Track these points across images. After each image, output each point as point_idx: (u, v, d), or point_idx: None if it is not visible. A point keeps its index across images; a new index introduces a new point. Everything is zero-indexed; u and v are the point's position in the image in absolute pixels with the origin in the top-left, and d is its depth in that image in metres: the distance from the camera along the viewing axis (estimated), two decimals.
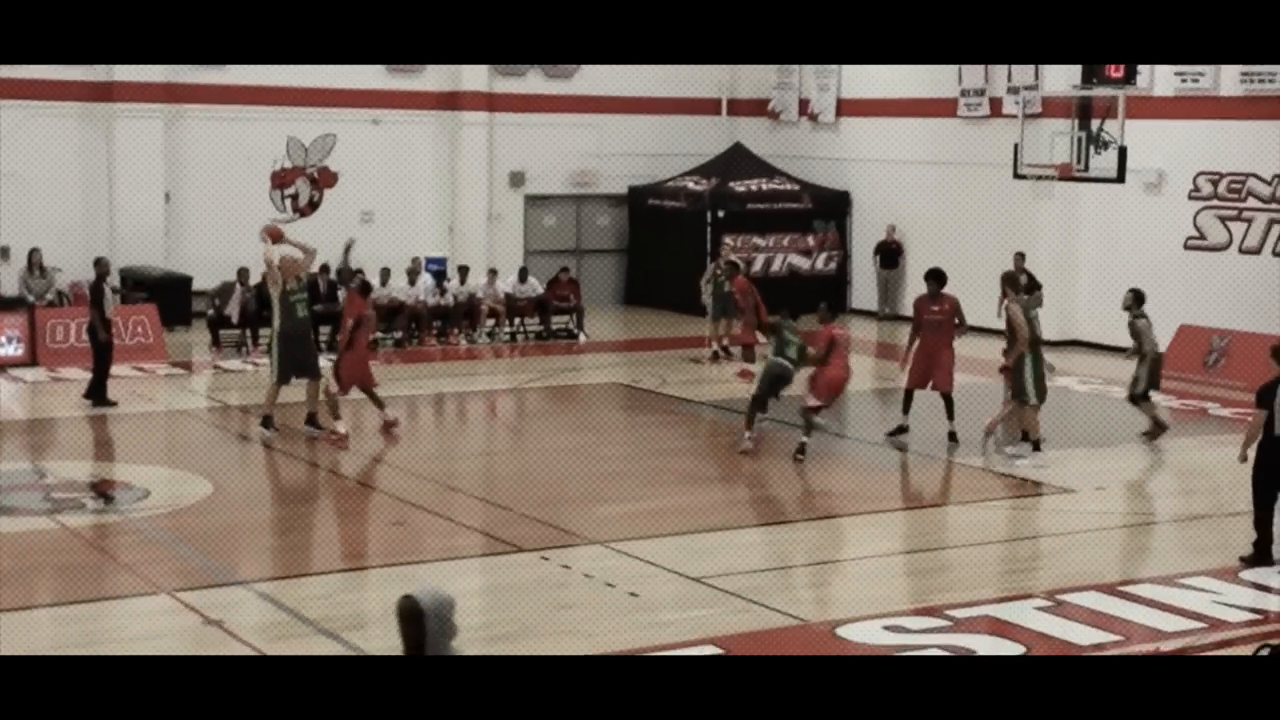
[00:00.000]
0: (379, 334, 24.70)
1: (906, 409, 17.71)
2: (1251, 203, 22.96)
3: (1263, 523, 12.73)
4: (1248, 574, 12.56)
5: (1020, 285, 17.39)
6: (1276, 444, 12.53)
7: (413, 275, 25.52)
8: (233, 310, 24.14)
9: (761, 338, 21.85)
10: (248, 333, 24.10)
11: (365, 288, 18.54)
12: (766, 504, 15.08)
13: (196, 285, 25.68)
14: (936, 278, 17.67)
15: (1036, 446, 16.56)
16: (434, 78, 28.82)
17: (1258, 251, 22.88)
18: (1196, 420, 19.73)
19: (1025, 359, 16.60)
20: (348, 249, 19.49)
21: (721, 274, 23.81)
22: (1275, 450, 12.55)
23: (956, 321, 17.66)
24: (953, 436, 17.24)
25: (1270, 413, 12.48)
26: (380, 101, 28.35)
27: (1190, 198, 23.73)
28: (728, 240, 25.20)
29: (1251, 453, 12.82)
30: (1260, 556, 12.69)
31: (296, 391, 17.79)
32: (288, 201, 28.03)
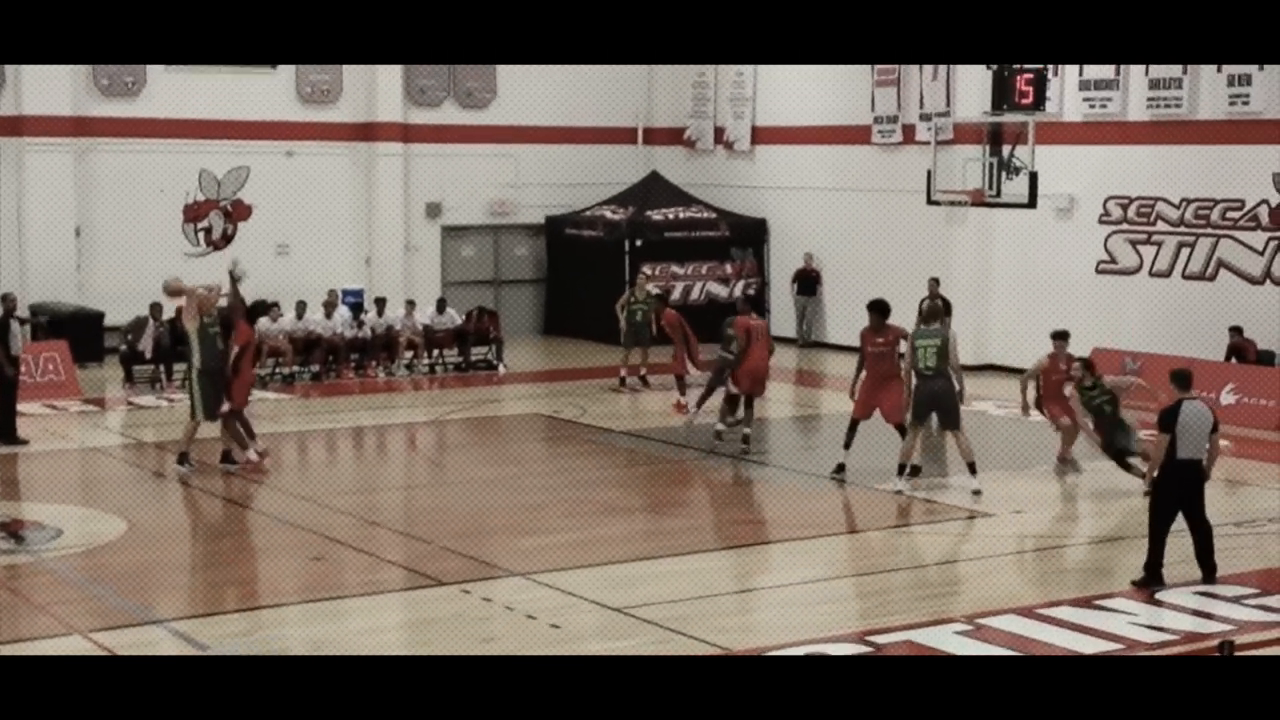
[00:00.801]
0: (295, 367, 24.60)
1: (849, 442, 17.38)
2: (1160, 226, 23.35)
3: (1156, 545, 12.92)
4: (1163, 594, 12.74)
5: (931, 313, 17.60)
6: (1180, 467, 12.75)
7: (329, 308, 25.37)
8: (146, 345, 23.88)
9: (692, 369, 21.94)
10: (161, 368, 23.85)
11: (253, 312, 18.28)
12: (688, 533, 15.10)
13: (109, 320, 25.38)
14: (879, 309, 17.26)
15: (913, 472, 16.80)
16: (348, 108, 28.73)
17: (1168, 275, 23.26)
18: None
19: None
20: (236, 279, 18.93)
21: (635, 302, 23.85)
22: (1178, 474, 12.77)
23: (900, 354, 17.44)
24: (901, 469, 16.91)
25: (1173, 436, 12.69)
26: (294, 133, 28.21)
27: (1101, 222, 24.10)
28: (645, 270, 25.26)
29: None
30: (1151, 578, 12.88)
31: (210, 427, 17.62)
32: (200, 235, 27.80)
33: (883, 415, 17.38)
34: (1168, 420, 12.74)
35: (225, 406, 17.51)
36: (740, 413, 18.98)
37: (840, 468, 17.39)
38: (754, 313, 19.27)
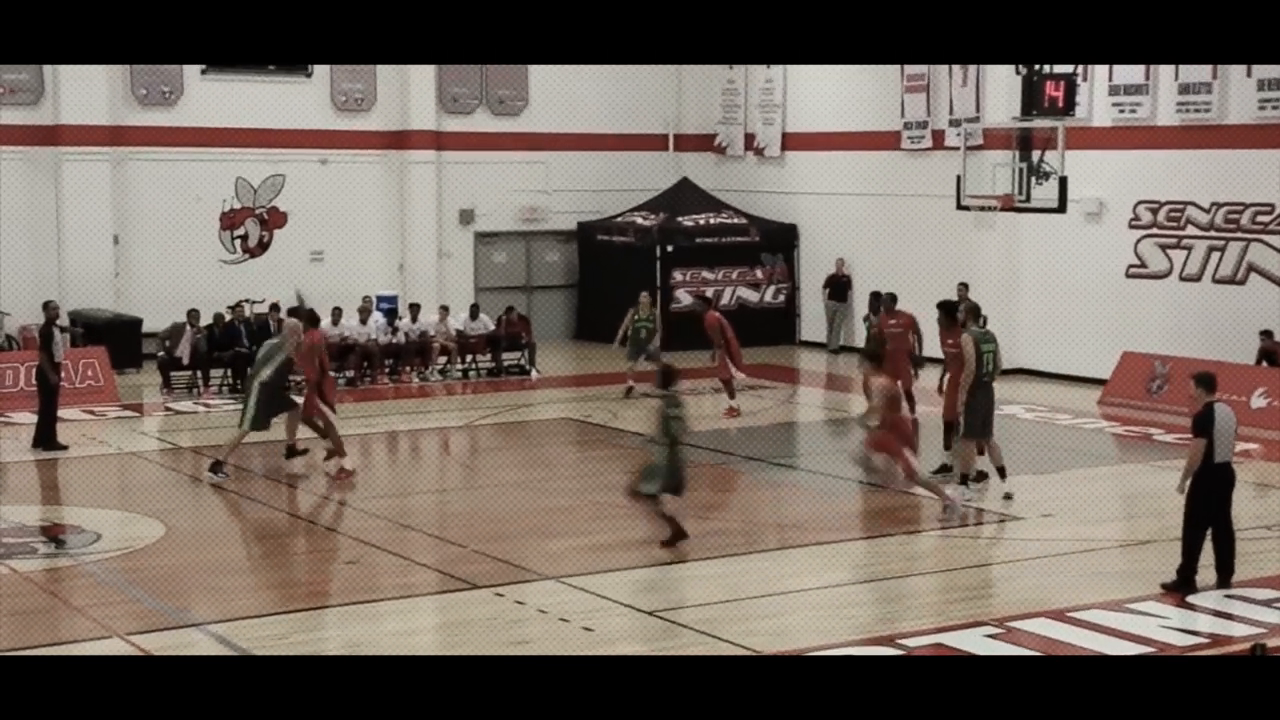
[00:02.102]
0: (331, 373, 24.65)
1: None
2: (1190, 230, 23.25)
3: (1191, 550, 12.82)
4: (1193, 598, 12.68)
5: (981, 315, 17.09)
6: (1215, 471, 12.64)
7: (364, 314, 25.48)
8: (183, 351, 24.02)
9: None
10: (198, 374, 24.00)
11: (314, 318, 18.50)
12: (718, 536, 15.10)
13: (146, 327, 25.55)
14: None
15: (964, 480, 16.47)
16: (381, 117, 28.85)
17: (1198, 279, 23.15)
18: (1140, 445, 19.91)
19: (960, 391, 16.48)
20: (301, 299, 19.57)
21: (639, 320, 23.69)
22: (1214, 477, 12.66)
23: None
24: (965, 479, 16.67)
25: (1209, 440, 12.58)
26: (328, 141, 28.36)
27: (1130, 226, 24.01)
28: (644, 295, 24.70)
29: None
30: (1183, 583, 12.78)
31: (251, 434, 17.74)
32: (237, 242, 27.96)
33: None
34: (1204, 424, 12.59)
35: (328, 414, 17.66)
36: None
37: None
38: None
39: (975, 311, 16.89)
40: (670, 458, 14.27)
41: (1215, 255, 22.90)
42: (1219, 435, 12.58)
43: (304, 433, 18.18)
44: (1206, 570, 12.94)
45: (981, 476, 16.76)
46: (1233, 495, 12.84)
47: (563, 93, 30.08)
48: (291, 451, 18.26)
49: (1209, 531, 12.83)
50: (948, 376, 17.71)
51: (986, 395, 16.33)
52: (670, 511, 14.33)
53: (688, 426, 14.86)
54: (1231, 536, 12.88)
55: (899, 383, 17.46)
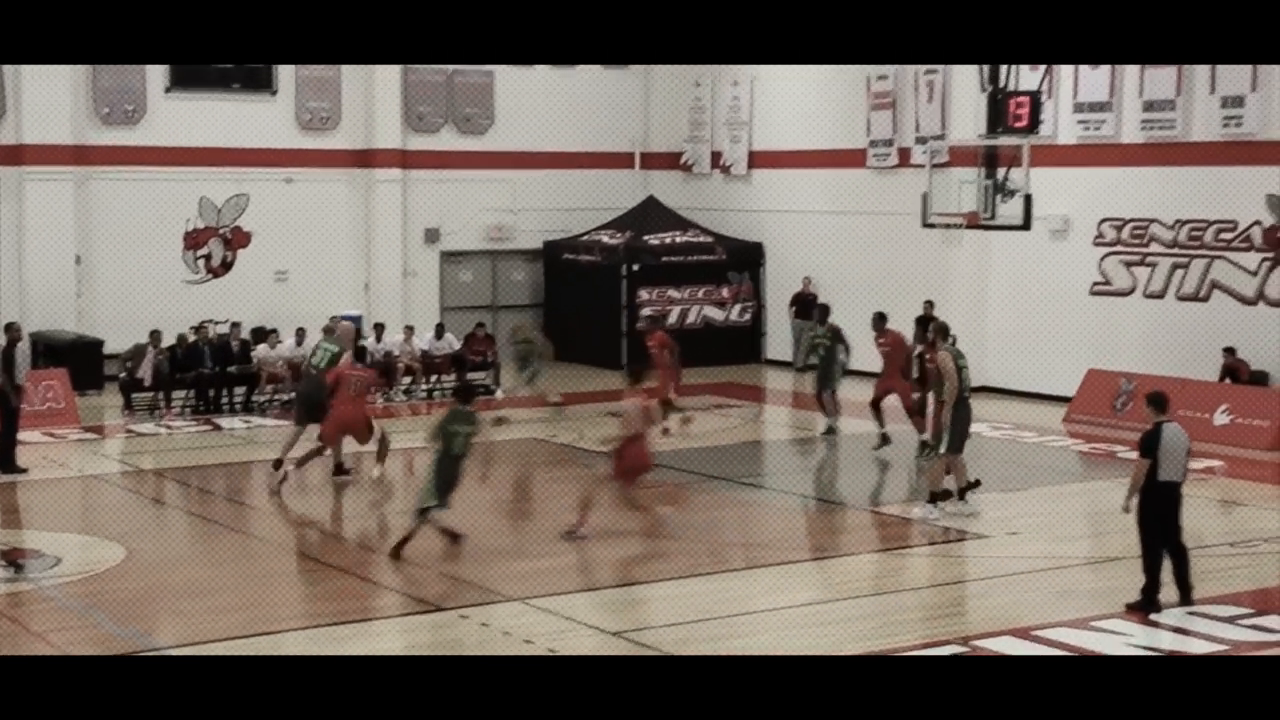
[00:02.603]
0: (294, 393, 24.60)
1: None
2: (1154, 248, 23.39)
3: (1151, 569, 12.89)
4: (1158, 616, 12.73)
5: (950, 334, 17.22)
6: (1160, 490, 12.75)
7: (328, 334, 25.30)
8: (145, 373, 23.89)
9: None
10: (161, 395, 23.87)
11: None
12: (684, 556, 15.09)
13: (108, 348, 25.41)
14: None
15: (934, 499, 16.48)
16: (346, 135, 28.81)
17: (1162, 295, 23.28)
18: (1106, 463, 19.98)
19: (945, 408, 16.51)
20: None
21: (519, 342, 23.65)
22: (1159, 496, 12.76)
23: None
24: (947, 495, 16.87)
25: (1154, 460, 12.68)
26: (293, 160, 28.29)
27: (1095, 243, 24.14)
28: (522, 322, 24.58)
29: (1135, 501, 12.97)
30: (1148, 603, 12.85)
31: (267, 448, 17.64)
32: (200, 262, 27.85)
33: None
34: (1150, 444, 12.74)
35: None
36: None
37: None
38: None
39: (944, 330, 17.06)
40: (439, 465, 14.59)
41: (1179, 272, 23.04)
42: (1165, 454, 12.68)
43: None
44: (1171, 588, 13.00)
45: (945, 495, 16.82)
46: (1180, 513, 12.89)
47: (529, 111, 30.11)
48: (340, 469, 18.73)
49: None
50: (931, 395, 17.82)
51: (967, 411, 16.39)
52: (442, 524, 14.62)
53: (471, 444, 14.91)
54: (1184, 554, 12.96)
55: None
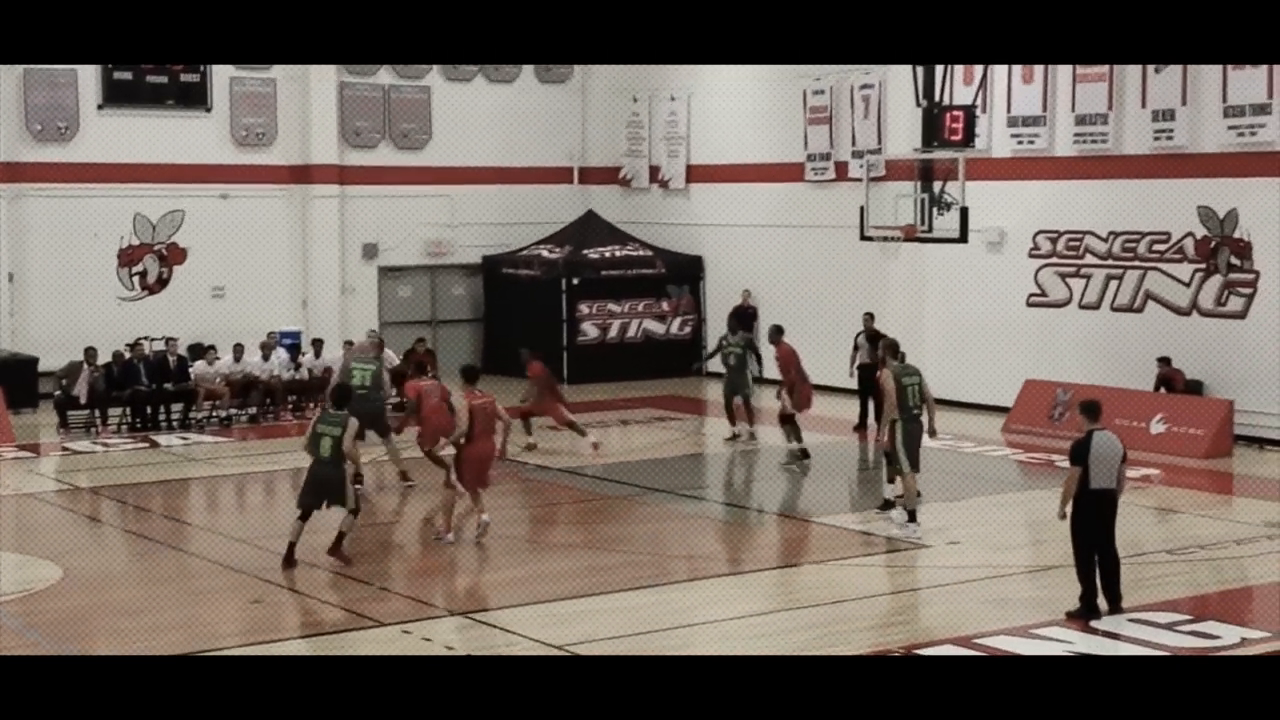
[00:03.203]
0: (233, 410, 24.47)
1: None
2: (1089, 259, 23.62)
3: (1086, 576, 13.01)
4: (1098, 623, 12.85)
5: (899, 351, 17.19)
6: (1094, 497, 12.87)
7: (266, 350, 25.22)
8: (80, 390, 23.64)
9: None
10: (96, 413, 23.63)
11: (421, 367, 18.34)
12: (628, 569, 15.09)
13: (43, 366, 25.14)
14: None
15: (912, 517, 16.42)
16: (283, 151, 28.66)
17: (1097, 307, 23.51)
18: (1044, 472, 20.14)
19: (897, 426, 16.41)
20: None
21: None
22: (1091, 504, 12.88)
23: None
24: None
25: (1085, 468, 12.79)
26: (228, 176, 28.12)
27: (1031, 255, 24.35)
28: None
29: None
30: (1087, 609, 12.97)
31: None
32: (135, 279, 27.59)
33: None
34: (1080, 452, 12.88)
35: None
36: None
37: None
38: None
39: (894, 348, 16.97)
40: (309, 470, 15.07)
41: (1114, 284, 23.28)
42: (1096, 463, 12.82)
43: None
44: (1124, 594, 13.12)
45: (888, 505, 16.94)
46: (1113, 521, 13.03)
47: (466, 126, 30.08)
48: (405, 476, 19.03)
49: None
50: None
51: (915, 428, 16.40)
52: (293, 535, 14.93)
53: (348, 448, 14.98)
54: (1116, 562, 13.09)
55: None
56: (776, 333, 21.05)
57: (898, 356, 16.90)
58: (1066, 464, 19.87)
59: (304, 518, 15.05)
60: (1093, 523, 12.93)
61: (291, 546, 15.00)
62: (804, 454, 20.39)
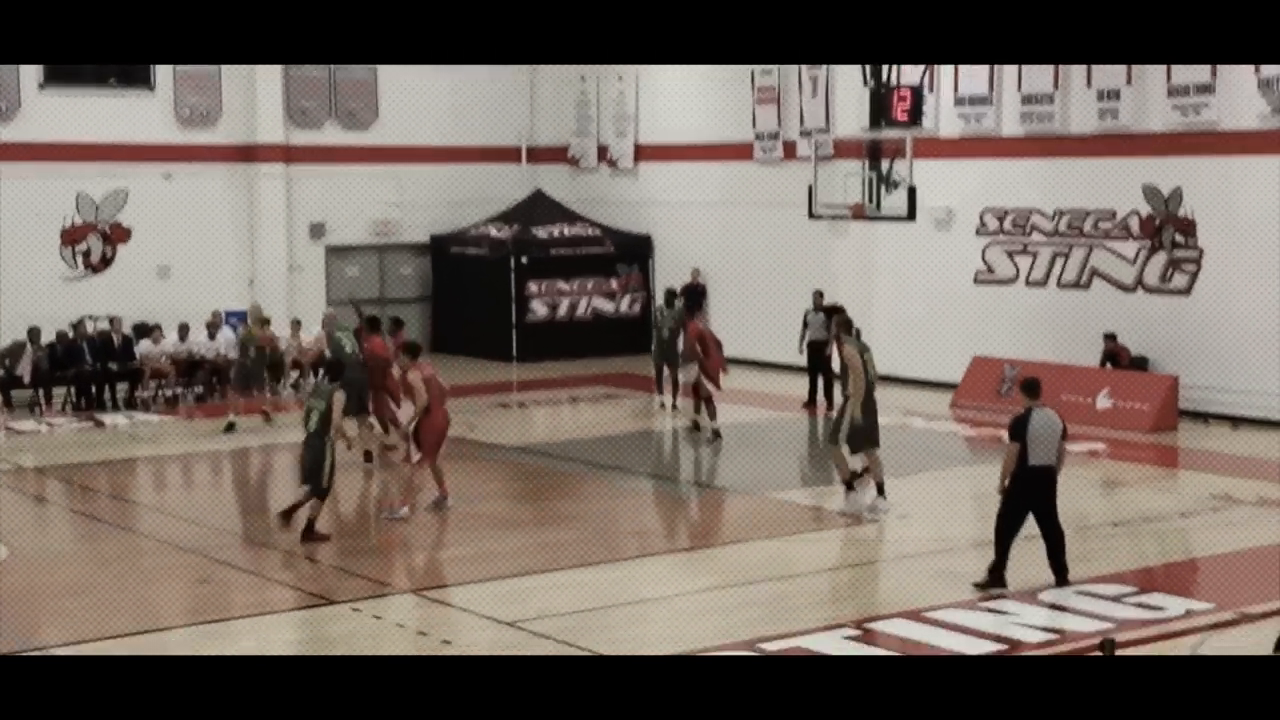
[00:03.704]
0: (179, 389, 24.28)
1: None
2: (1035, 237, 23.74)
3: (1003, 549, 13.11)
4: (1046, 594, 12.93)
5: (853, 327, 17.00)
6: (1031, 473, 12.96)
7: (212, 329, 25.03)
8: (24, 370, 23.40)
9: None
10: (40, 393, 23.38)
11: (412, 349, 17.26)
12: (579, 545, 15.07)
13: None
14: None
15: (880, 490, 16.34)
16: (227, 130, 28.37)
17: (1043, 284, 23.64)
18: (991, 447, 20.21)
19: (855, 404, 16.16)
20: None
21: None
22: (1030, 479, 12.97)
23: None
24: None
25: (1023, 444, 12.88)
26: (172, 155, 27.82)
27: (978, 233, 24.45)
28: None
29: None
30: (995, 580, 13.08)
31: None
32: (79, 259, 27.28)
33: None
34: (1019, 429, 12.96)
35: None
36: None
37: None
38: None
39: (848, 325, 16.70)
40: (304, 444, 15.31)
41: (1060, 261, 23.42)
42: (1034, 439, 12.90)
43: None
44: (1044, 571, 13.20)
45: (855, 477, 16.87)
46: (1054, 497, 13.11)
47: (413, 105, 29.89)
48: (369, 456, 18.95)
49: (1034, 533, 13.09)
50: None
51: (873, 404, 16.40)
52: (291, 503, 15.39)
53: (331, 420, 15.07)
54: (1061, 535, 13.18)
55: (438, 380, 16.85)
56: (689, 310, 21.82)
57: (852, 333, 16.80)
58: None
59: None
60: (1025, 499, 13.02)
61: (295, 506, 15.27)
62: (712, 433, 20.38)
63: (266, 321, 22.87)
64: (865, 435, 16.23)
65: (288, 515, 15.51)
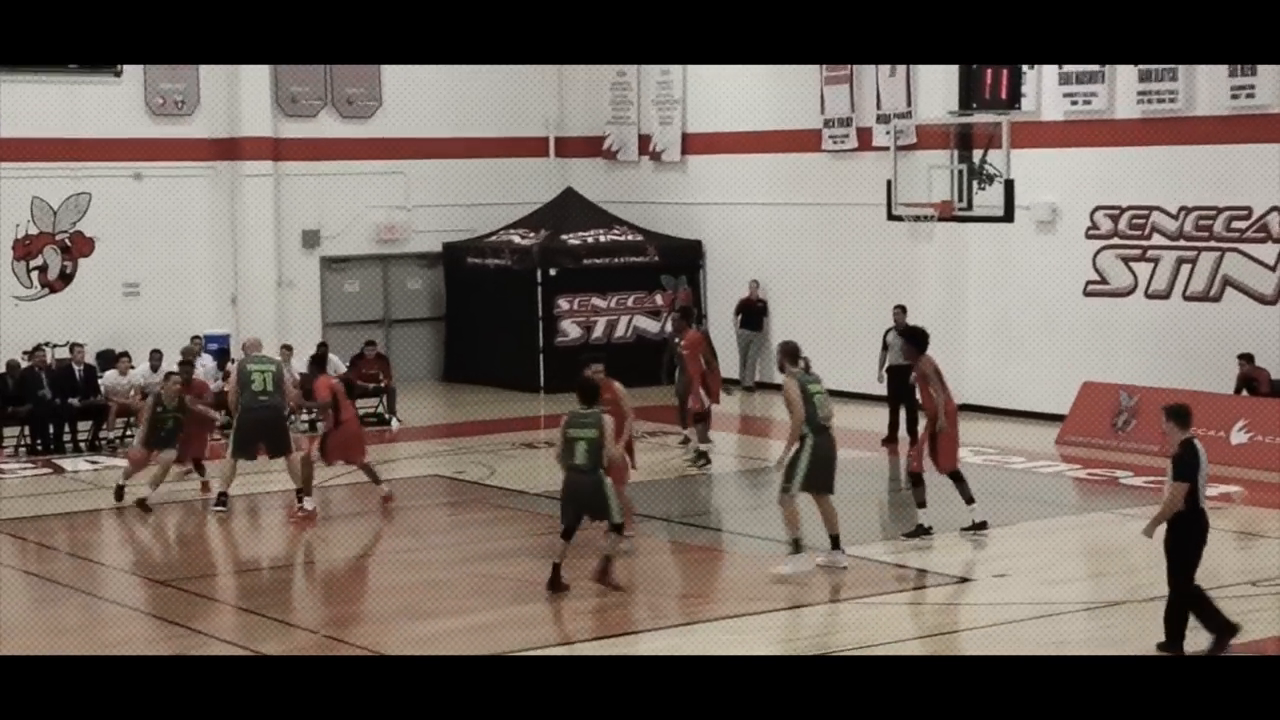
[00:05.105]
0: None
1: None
2: (1157, 240, 23.65)
3: (1200, 606, 12.97)
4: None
5: (800, 357, 16.68)
6: (1200, 518, 12.83)
7: (189, 357, 25.13)
8: None
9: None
10: None
11: (319, 362, 19.89)
12: (614, 611, 15.07)
13: None
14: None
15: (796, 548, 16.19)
16: (206, 122, 28.62)
17: (1166, 296, 23.54)
18: (1106, 490, 20.17)
19: (806, 443, 16.09)
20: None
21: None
22: (1199, 524, 12.83)
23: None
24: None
25: (1193, 484, 12.73)
26: (143, 152, 28.08)
27: (1088, 236, 24.38)
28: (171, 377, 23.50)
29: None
30: (1174, 644, 12.98)
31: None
32: (34, 275, 27.55)
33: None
34: (1190, 463, 12.73)
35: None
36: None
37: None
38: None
39: (794, 353, 16.41)
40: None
41: (1185, 268, 23.32)
42: (1202, 476, 12.79)
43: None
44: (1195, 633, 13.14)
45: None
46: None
47: (423, 91, 30.00)
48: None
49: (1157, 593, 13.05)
50: (924, 422, 17.98)
51: (826, 442, 16.26)
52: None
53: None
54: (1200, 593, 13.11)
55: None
56: (684, 318, 23.60)
57: (798, 363, 16.54)
58: (1133, 480, 20.11)
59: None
60: (1201, 546, 12.85)
61: (608, 562, 15.57)
62: (705, 457, 22.20)
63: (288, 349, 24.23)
64: (819, 480, 16.17)
65: (602, 576, 15.42)
